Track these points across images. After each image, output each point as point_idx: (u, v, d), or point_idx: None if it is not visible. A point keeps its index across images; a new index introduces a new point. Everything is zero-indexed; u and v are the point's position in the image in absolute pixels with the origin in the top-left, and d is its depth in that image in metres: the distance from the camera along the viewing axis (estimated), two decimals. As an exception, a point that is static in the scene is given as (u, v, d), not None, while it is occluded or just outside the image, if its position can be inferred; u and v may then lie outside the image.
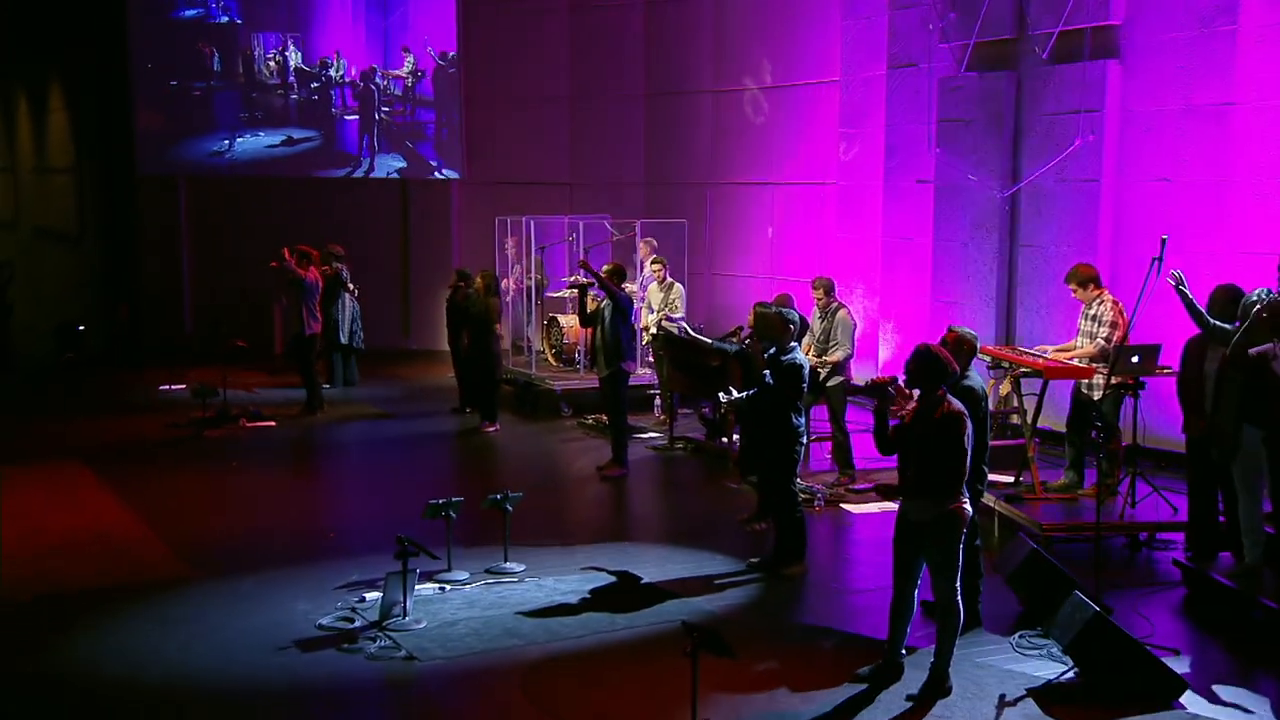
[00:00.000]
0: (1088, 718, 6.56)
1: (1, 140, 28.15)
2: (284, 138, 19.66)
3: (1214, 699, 6.98)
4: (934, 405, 6.88)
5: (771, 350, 9.08)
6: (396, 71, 19.32)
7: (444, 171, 19.38)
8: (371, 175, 19.50)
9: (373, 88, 19.33)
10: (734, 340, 11.63)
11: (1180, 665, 7.27)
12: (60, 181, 25.00)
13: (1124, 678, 6.95)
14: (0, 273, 22.68)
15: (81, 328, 20.07)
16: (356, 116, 19.49)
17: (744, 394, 9.47)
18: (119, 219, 21.45)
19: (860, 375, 12.33)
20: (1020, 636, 7.80)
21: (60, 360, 19.46)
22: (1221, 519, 8.78)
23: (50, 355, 20.06)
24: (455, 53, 19.04)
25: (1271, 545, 8.19)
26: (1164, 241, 8.39)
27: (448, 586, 8.77)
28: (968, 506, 6.96)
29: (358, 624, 8.12)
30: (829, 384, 11.21)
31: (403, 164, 19.42)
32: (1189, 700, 6.91)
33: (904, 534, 7.08)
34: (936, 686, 6.94)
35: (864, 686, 7.09)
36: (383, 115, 19.44)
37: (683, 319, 13.82)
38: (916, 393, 7.00)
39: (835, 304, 11.44)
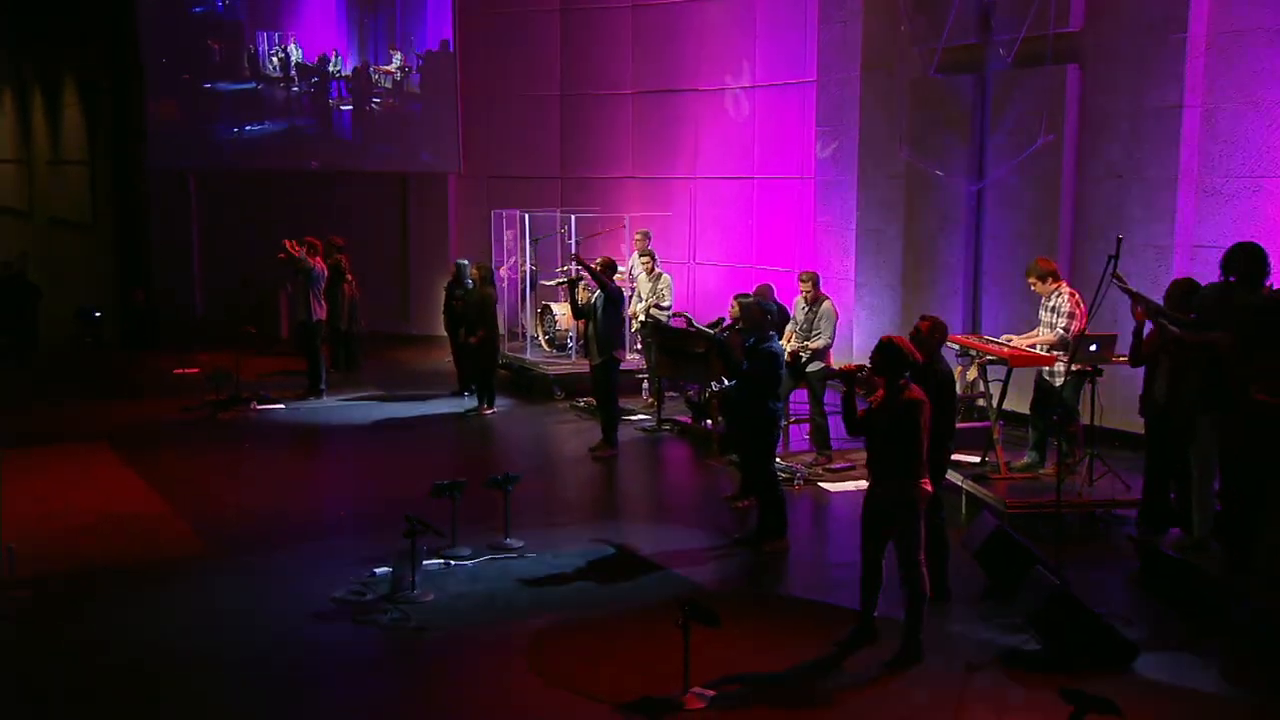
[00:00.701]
0: (1047, 682, 6.55)
1: (17, 134, 28.00)
2: (286, 126, 19.73)
3: (1164, 664, 7.06)
4: (898, 392, 7.01)
5: (750, 340, 9.14)
6: (386, 67, 19.31)
7: (426, 157, 19.28)
8: (364, 161, 19.50)
9: (365, 82, 19.37)
10: (719, 331, 11.61)
11: (1133, 633, 7.29)
12: (74, 173, 24.88)
13: (1081, 645, 7.00)
14: (13, 264, 22.65)
15: (99, 314, 20.09)
16: (351, 107, 19.55)
17: (731, 383, 9.59)
18: (131, 209, 21.40)
19: (836, 359, 12.30)
20: (986, 607, 7.85)
21: (80, 344, 19.49)
22: (1173, 496, 8.80)
23: (69, 339, 20.07)
24: (434, 50, 18.97)
25: (1219, 520, 8.25)
26: (1119, 241, 8.52)
27: (453, 562, 8.79)
28: (928, 485, 7.09)
29: (370, 597, 8.15)
30: (809, 369, 11.30)
31: (391, 150, 19.38)
32: (1141, 665, 6.98)
33: (871, 510, 7.21)
34: (909, 653, 7.05)
35: (843, 651, 7.17)
36: (374, 106, 19.48)
37: (670, 308, 13.92)
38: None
39: (821, 296, 11.51)
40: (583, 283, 12.78)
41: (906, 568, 7.08)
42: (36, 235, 27.24)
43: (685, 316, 12.85)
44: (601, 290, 11.85)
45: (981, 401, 10.59)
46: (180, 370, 16.76)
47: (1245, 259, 8.06)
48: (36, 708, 6.88)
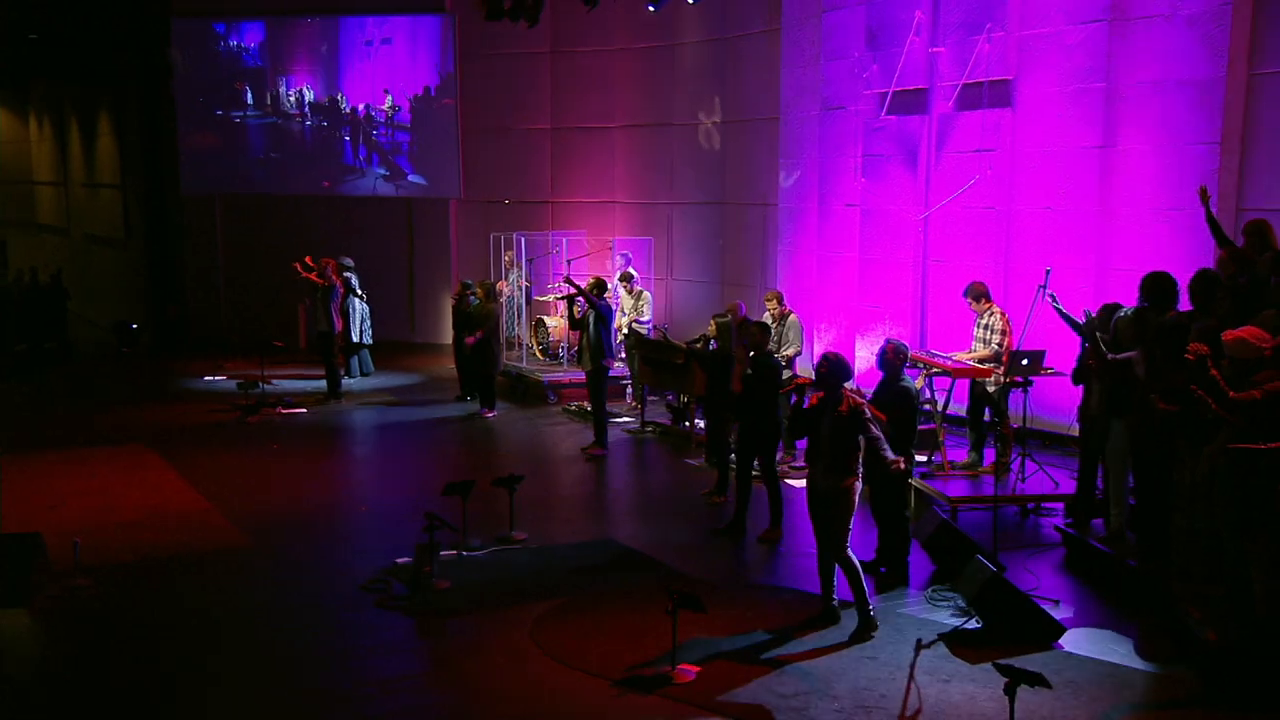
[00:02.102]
0: (985, 656, 6.59)
1: (55, 158, 27.95)
2: (302, 157, 19.85)
3: (1087, 640, 7.16)
4: (838, 400, 7.22)
5: (754, 354, 9.26)
6: (380, 107, 19.43)
7: (430, 184, 19.34)
8: (362, 181, 19.58)
9: (363, 118, 19.52)
10: (699, 346, 11.64)
11: (1060, 613, 7.43)
12: (106, 195, 24.86)
13: (1015, 624, 7.12)
14: (39, 274, 22.63)
15: (135, 325, 20.10)
16: (348, 139, 19.72)
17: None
18: (160, 228, 21.41)
19: (801, 367, 12.36)
20: (933, 591, 7.96)
21: (117, 354, 19.50)
22: (1100, 493, 8.85)
23: (108, 349, 20.05)
24: (437, 87, 19.09)
25: (1134, 513, 8.35)
26: (1048, 272, 8.74)
27: (465, 553, 8.84)
28: (859, 483, 7.27)
29: (393, 585, 8.19)
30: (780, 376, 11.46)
31: (385, 172, 19.44)
32: (1067, 640, 7.10)
33: (813, 499, 7.40)
34: (864, 629, 7.20)
35: (808, 629, 7.30)
36: (383, 139, 19.58)
37: (650, 321, 14.07)
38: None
39: (786, 311, 11.60)
40: (576, 302, 12.84)
41: (836, 550, 7.26)
42: (73, 250, 27.20)
43: (662, 331, 13.05)
44: (591, 307, 11.97)
45: (929, 406, 10.67)
46: (210, 377, 16.77)
47: (1154, 287, 8.20)
48: (104, 677, 6.96)
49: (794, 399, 7.61)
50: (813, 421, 7.36)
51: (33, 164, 29.35)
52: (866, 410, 7.24)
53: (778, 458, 11.13)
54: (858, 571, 7.28)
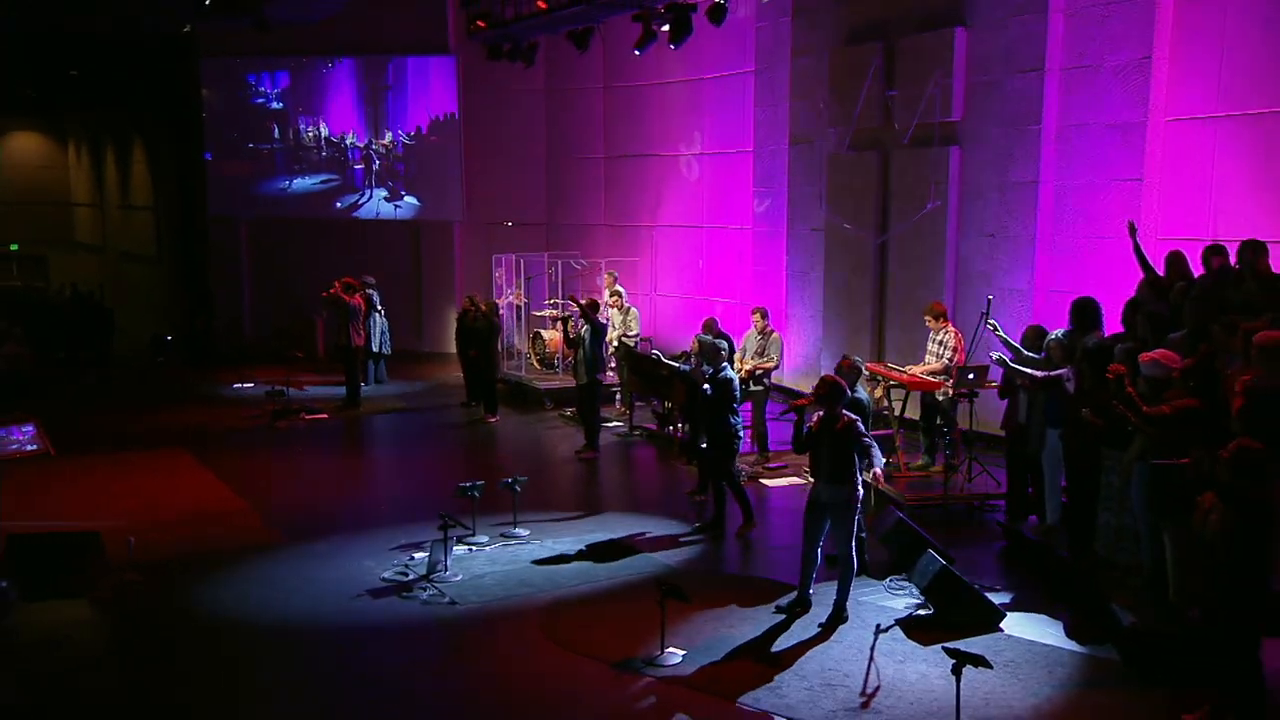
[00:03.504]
0: (936, 639, 6.71)
1: (93, 182, 27.94)
2: (317, 180, 20.00)
3: (1024, 623, 7.26)
4: (836, 419, 7.33)
5: (710, 370, 9.36)
6: (382, 141, 19.57)
7: (435, 208, 19.44)
8: (368, 204, 19.74)
9: (369, 151, 19.70)
10: (682, 362, 11.68)
11: (1001, 599, 7.54)
12: (140, 216, 24.86)
13: (962, 610, 7.25)
14: (80, 288, 22.67)
15: (170, 338, 20.12)
16: (360, 167, 19.83)
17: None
18: (190, 247, 21.46)
19: (776, 375, 12.48)
20: (890, 581, 8.04)
21: (153, 364, 19.50)
22: (1030, 491, 9.02)
23: (144, 359, 20.01)
24: (442, 121, 19.22)
25: (1065, 511, 8.49)
26: (989, 301, 8.94)
27: (474, 548, 8.90)
28: (860, 490, 7.42)
29: (411, 577, 8.28)
30: (755, 387, 11.45)
31: (386, 194, 19.58)
32: (1007, 625, 7.22)
33: (814, 508, 7.46)
34: (838, 616, 7.35)
35: (783, 616, 7.43)
36: (375, 167, 19.73)
37: (638, 335, 14.18)
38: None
39: (770, 328, 11.64)
40: (571, 320, 12.91)
41: (843, 549, 7.37)
42: (109, 267, 27.17)
43: (649, 341, 13.14)
44: (587, 323, 12.11)
45: (886, 413, 10.83)
46: (238, 385, 16.73)
47: (1081, 312, 8.41)
48: (156, 660, 7.09)
49: (794, 418, 7.67)
50: (815, 439, 7.44)
51: (71, 187, 29.32)
52: (859, 426, 7.35)
53: (753, 460, 11.47)
54: (853, 570, 7.39)
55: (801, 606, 7.58)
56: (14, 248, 28.27)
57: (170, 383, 17.61)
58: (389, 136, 19.52)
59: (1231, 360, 6.84)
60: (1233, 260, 8.09)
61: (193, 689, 6.77)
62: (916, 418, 10.85)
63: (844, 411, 7.40)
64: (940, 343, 10.37)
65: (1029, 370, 8.64)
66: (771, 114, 15.07)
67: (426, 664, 7.04)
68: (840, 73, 13.33)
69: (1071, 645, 7.02)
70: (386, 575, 8.40)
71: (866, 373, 10.32)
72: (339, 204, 19.97)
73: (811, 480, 7.72)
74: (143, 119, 23.32)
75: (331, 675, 6.88)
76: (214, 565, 8.82)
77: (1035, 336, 9.00)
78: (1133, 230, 8.87)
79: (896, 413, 10.64)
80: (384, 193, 19.67)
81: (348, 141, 19.80)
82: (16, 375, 16.32)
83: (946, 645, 5.80)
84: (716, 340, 9.93)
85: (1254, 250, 7.85)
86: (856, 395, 8.33)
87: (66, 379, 17.95)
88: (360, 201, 19.90)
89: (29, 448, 12.23)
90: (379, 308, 16.21)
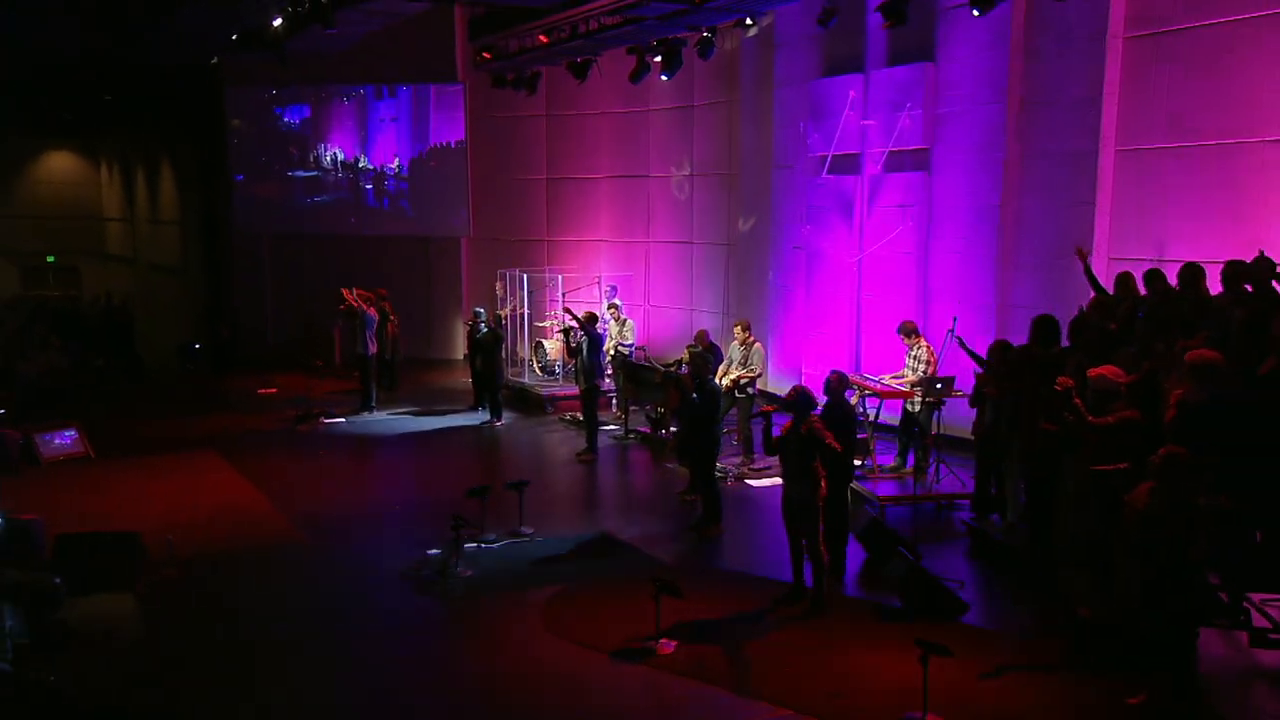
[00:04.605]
0: (906, 629, 6.90)
1: (123, 198, 28.02)
2: (336, 203, 20.13)
3: (987, 615, 7.48)
4: (803, 424, 7.50)
5: (698, 380, 9.50)
6: (390, 165, 19.73)
7: (444, 225, 19.57)
8: (376, 219, 19.89)
9: (382, 173, 19.86)
10: (673, 370, 11.86)
11: (965, 593, 7.65)
12: (167, 230, 24.90)
13: (928, 602, 7.40)
14: (113, 299, 22.74)
15: (198, 346, 20.19)
16: (371, 187, 19.97)
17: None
18: (215, 260, 21.56)
19: (761, 383, 12.52)
20: (865, 575, 8.19)
21: (181, 370, 19.56)
22: (994, 491, 9.16)
23: (172, 366, 20.02)
24: (452, 144, 19.40)
25: (1025, 510, 8.53)
26: (955, 320, 9.06)
27: (483, 545, 8.95)
28: (824, 486, 7.55)
29: (425, 573, 8.36)
30: (740, 395, 11.56)
31: (416, 219, 19.69)
32: (970, 616, 7.36)
33: (787, 506, 7.65)
34: (817, 607, 7.50)
35: (768, 607, 7.56)
36: (384, 187, 19.85)
37: (633, 345, 14.33)
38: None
39: (752, 339, 11.71)
40: (573, 331, 13.01)
41: (810, 546, 7.56)
42: (139, 277, 27.25)
43: (644, 350, 13.28)
44: (586, 335, 12.25)
45: (863, 419, 10.93)
46: (262, 391, 16.70)
47: (1039, 327, 8.54)
48: (196, 648, 7.21)
49: (762, 424, 7.83)
50: (783, 442, 7.61)
51: (103, 202, 29.40)
52: (818, 430, 7.50)
53: (738, 461, 11.58)
54: (824, 566, 7.54)
55: (796, 597, 7.70)
56: (51, 259, 28.34)
57: (197, 389, 17.56)
58: (397, 161, 19.70)
59: (1171, 376, 7.01)
60: (1173, 282, 8.28)
61: (227, 674, 6.88)
62: (894, 422, 10.97)
63: (812, 416, 7.54)
64: (915, 357, 10.52)
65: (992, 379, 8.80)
66: (756, 139, 15.21)
67: (440, 652, 7.14)
68: (819, 102, 13.49)
69: (1030, 634, 7.17)
70: (403, 570, 8.48)
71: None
72: (354, 221, 20.11)
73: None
74: (171, 140, 23.42)
75: (352, 661, 6.98)
76: (244, 561, 8.89)
77: (1000, 351, 9.06)
78: (1082, 255, 9.07)
79: (873, 418, 10.78)
80: (396, 211, 19.78)
81: (361, 164, 19.96)
82: (55, 382, 16.38)
83: (917, 639, 5.96)
84: (705, 352, 10.07)
85: (1192, 274, 8.04)
86: (844, 406, 8.37)
87: (100, 385, 17.96)
88: (373, 219, 20.03)
89: (71, 451, 12.50)
90: (393, 317, 16.26)
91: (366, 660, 7.01)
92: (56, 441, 12.36)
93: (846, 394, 8.74)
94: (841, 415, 8.16)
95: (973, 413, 9.51)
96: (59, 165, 29.00)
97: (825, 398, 8.53)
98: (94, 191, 29.38)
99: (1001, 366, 8.53)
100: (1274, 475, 6.42)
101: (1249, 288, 7.48)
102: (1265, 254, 7.68)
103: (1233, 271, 7.61)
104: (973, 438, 9.47)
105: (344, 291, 15.14)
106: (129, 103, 22.07)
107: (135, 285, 26.56)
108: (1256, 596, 6.67)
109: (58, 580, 7.21)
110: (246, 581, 8.49)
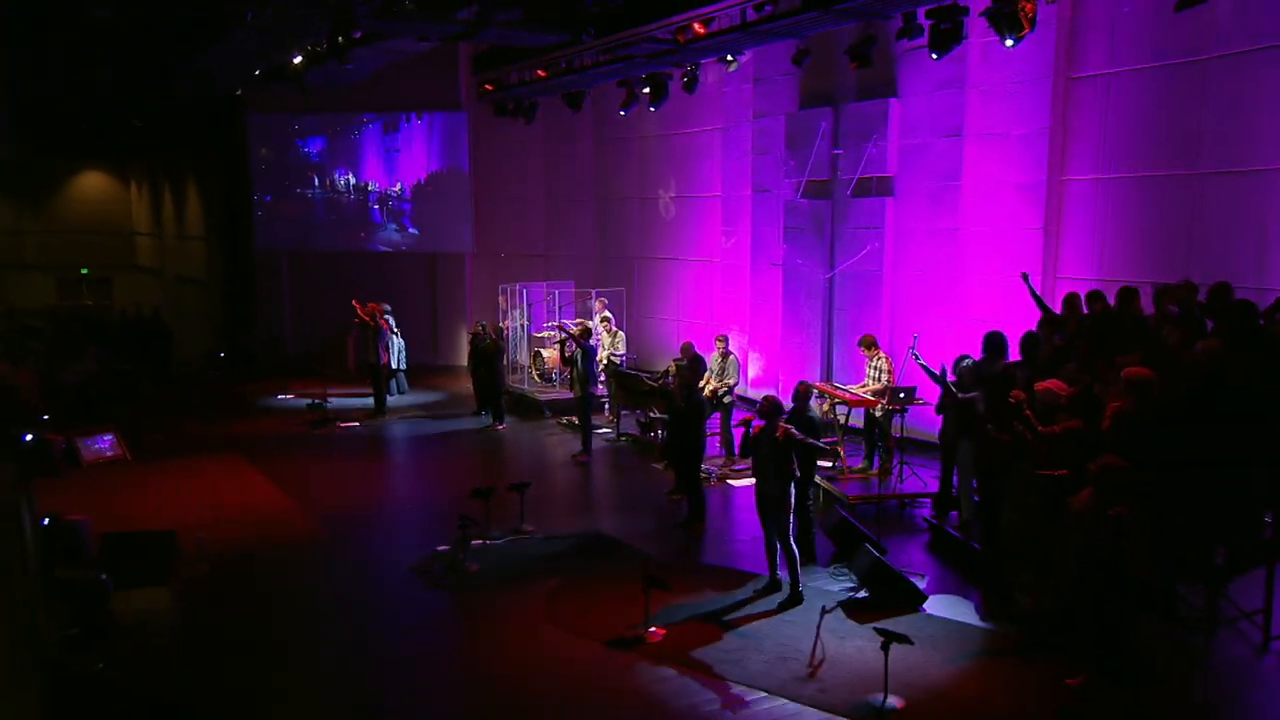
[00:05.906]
0: (870, 618, 7.01)
1: (152, 215, 28.04)
2: (347, 218, 20.22)
3: (944, 605, 7.55)
4: (774, 429, 7.68)
5: (686, 390, 9.68)
6: (394, 189, 19.83)
7: (449, 241, 19.68)
8: (382, 234, 19.95)
9: (391, 194, 19.95)
10: (662, 379, 11.96)
11: (924, 585, 7.79)
12: (193, 245, 24.90)
13: (891, 594, 7.55)
14: (143, 309, 22.76)
15: (223, 354, 20.22)
16: (378, 207, 20.05)
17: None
18: (238, 273, 21.57)
19: (740, 389, 12.75)
20: (834, 569, 8.29)
21: (206, 377, 19.61)
22: (955, 491, 9.32)
23: (196, 372, 20.09)
24: (456, 167, 19.52)
25: (978, 509, 8.66)
26: (915, 338, 9.20)
27: (488, 542, 8.99)
28: (794, 488, 7.73)
29: (435, 568, 8.45)
30: (723, 401, 11.76)
31: (423, 236, 19.77)
32: (929, 606, 7.51)
33: (760, 503, 7.83)
34: (793, 598, 7.66)
35: (747, 598, 7.69)
36: (393, 207, 19.95)
37: (624, 355, 14.48)
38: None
39: (729, 352, 11.82)
40: (568, 342, 13.11)
41: (783, 540, 7.73)
42: (166, 289, 27.24)
43: (634, 359, 13.33)
44: (580, 347, 12.41)
45: (832, 424, 10.99)
46: (280, 396, 16.70)
47: (990, 343, 8.72)
48: (226, 638, 7.31)
49: (742, 430, 7.99)
50: (757, 444, 7.79)
51: (133, 218, 29.43)
52: (793, 432, 7.71)
53: (720, 463, 11.68)
54: (795, 557, 7.68)
55: (772, 587, 7.83)
56: (85, 271, 28.36)
57: (221, 395, 17.52)
58: (399, 185, 19.85)
59: (1108, 390, 7.22)
60: (1111, 302, 8.50)
61: (257, 663, 6.99)
62: (861, 426, 11.10)
63: (783, 422, 7.71)
64: (876, 368, 10.68)
65: (954, 392, 8.96)
66: (736, 165, 15.30)
67: (447, 640, 7.24)
68: (794, 132, 13.62)
69: (980, 623, 7.31)
70: (413, 565, 8.57)
71: (816, 392, 10.75)
72: (364, 237, 20.21)
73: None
74: (196, 162, 23.45)
75: (367, 653, 7.06)
76: (269, 558, 8.97)
77: (960, 364, 9.25)
78: (1026, 279, 9.24)
79: (842, 422, 10.92)
80: (405, 230, 19.89)
81: (371, 186, 20.08)
82: (93, 389, 16.42)
83: (876, 626, 6.10)
84: (691, 365, 10.23)
85: (1127, 296, 8.25)
86: (809, 414, 8.54)
87: (132, 391, 18.02)
88: (383, 237, 20.12)
89: (110, 454, 12.60)
90: (395, 329, 16.29)
91: (381, 647, 7.10)
92: (95, 445, 12.45)
93: (813, 400, 8.90)
94: (806, 420, 8.32)
95: (927, 420, 9.64)
96: (92, 184, 29.02)
97: (793, 404, 8.69)
98: (125, 209, 29.40)
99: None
100: (1198, 484, 6.59)
101: (1174, 309, 7.68)
102: (1190, 280, 7.90)
103: (1161, 293, 7.82)
104: (938, 442, 9.60)
105: (355, 304, 15.21)
106: (158, 128, 22.11)
107: (163, 296, 26.56)
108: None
109: (103, 577, 7.34)
110: (271, 576, 8.58)
